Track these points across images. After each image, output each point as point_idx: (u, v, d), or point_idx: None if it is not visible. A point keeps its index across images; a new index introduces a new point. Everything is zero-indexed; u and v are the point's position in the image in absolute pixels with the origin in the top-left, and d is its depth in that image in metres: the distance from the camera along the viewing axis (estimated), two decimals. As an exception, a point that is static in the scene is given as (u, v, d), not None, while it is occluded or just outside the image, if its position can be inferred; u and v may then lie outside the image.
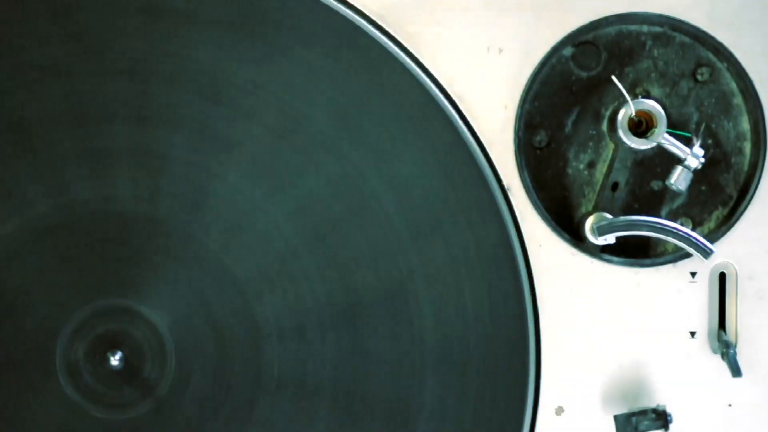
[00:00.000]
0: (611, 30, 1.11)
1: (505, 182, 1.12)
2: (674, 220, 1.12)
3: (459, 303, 1.10)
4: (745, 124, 1.13)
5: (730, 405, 1.13)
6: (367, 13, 1.11)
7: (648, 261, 1.13)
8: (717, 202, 1.14)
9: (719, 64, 1.08)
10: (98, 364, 1.09)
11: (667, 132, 1.08)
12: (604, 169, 1.11)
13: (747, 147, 1.13)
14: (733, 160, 1.13)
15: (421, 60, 1.11)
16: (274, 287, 1.09)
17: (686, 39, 1.08)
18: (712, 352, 1.13)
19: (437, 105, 1.10)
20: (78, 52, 1.08)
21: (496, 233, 1.10)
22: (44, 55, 1.08)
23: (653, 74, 1.10)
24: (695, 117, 1.13)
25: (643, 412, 1.11)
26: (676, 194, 1.13)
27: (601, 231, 1.08)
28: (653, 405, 1.12)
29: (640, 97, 1.09)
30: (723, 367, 1.11)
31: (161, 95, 1.08)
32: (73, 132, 1.08)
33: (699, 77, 1.09)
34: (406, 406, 1.10)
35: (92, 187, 1.09)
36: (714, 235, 1.12)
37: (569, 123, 1.13)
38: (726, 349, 1.11)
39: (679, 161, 1.09)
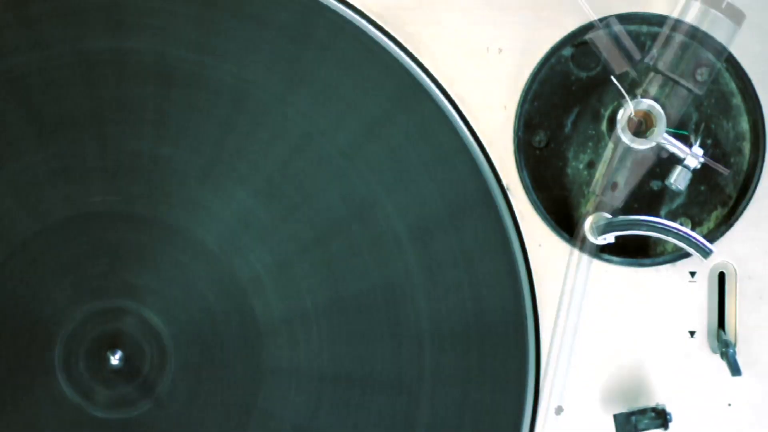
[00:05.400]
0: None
1: (504, 182, 1.12)
2: (673, 220, 1.12)
3: (458, 302, 1.10)
4: (745, 125, 1.13)
5: (729, 404, 1.13)
6: (367, 13, 1.11)
7: (647, 261, 1.13)
8: (716, 202, 1.14)
9: (719, 65, 1.09)
10: (98, 364, 1.09)
11: (667, 132, 1.09)
12: (604, 169, 1.11)
13: (746, 147, 1.14)
14: (732, 160, 1.13)
15: (421, 60, 1.11)
16: (274, 288, 1.09)
17: (686, 39, 1.08)
18: (712, 351, 1.13)
19: (437, 105, 1.10)
20: (74, 55, 1.08)
21: (496, 233, 1.10)
22: (39, 57, 1.08)
23: (652, 74, 1.10)
24: (695, 117, 1.13)
25: (642, 412, 1.12)
26: (675, 194, 1.13)
27: (600, 230, 1.08)
28: (653, 404, 1.12)
29: (639, 97, 1.09)
30: (722, 366, 1.11)
31: (159, 98, 1.08)
32: (72, 133, 1.08)
33: (698, 77, 1.09)
34: (405, 407, 1.10)
35: (92, 188, 1.09)
36: (713, 235, 1.12)
37: (569, 123, 1.13)
38: (725, 348, 1.11)
39: (679, 161, 1.09)
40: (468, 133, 1.11)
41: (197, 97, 1.08)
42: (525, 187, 1.12)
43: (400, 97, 1.09)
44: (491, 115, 1.12)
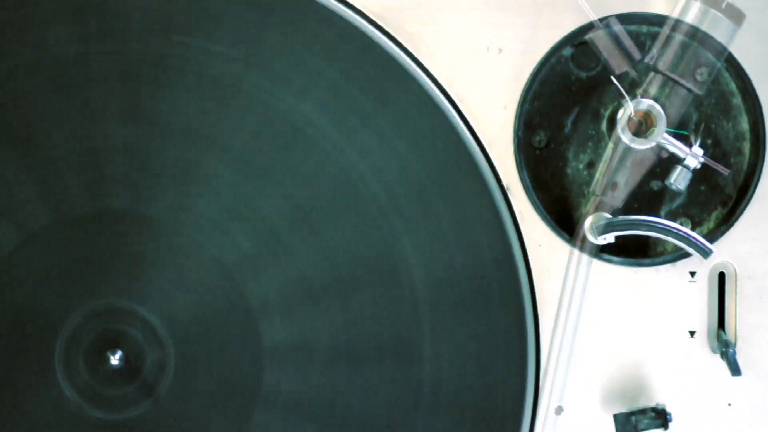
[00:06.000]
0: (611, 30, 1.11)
1: (504, 182, 1.12)
2: (673, 220, 1.12)
3: (458, 303, 1.10)
4: (745, 124, 1.13)
5: (729, 404, 1.13)
6: (367, 14, 1.11)
7: (647, 261, 1.13)
8: (716, 202, 1.14)
9: (719, 65, 1.09)
10: (98, 364, 1.09)
11: (667, 132, 1.09)
12: (604, 169, 1.11)
13: (746, 147, 1.14)
14: (732, 160, 1.13)
15: (420, 60, 1.11)
16: (272, 281, 1.09)
17: (686, 39, 1.08)
18: (712, 351, 1.13)
19: (437, 105, 1.10)
20: (73, 52, 1.08)
21: (496, 233, 1.10)
22: (42, 53, 1.08)
23: (652, 74, 1.10)
24: (695, 117, 1.13)
25: (642, 411, 1.12)
26: (675, 194, 1.13)
27: (600, 230, 1.08)
28: (653, 404, 1.12)
29: (639, 97, 1.09)
30: (722, 366, 1.11)
31: (156, 95, 1.08)
32: (67, 133, 1.08)
33: (698, 77, 1.09)
34: (404, 408, 1.10)
35: (89, 188, 1.09)
36: (713, 235, 1.12)
37: (569, 123, 1.13)
38: (725, 348, 1.11)
39: (679, 161, 1.09)
40: (468, 133, 1.11)
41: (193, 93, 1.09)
42: (525, 187, 1.12)
43: (397, 96, 1.09)
44: (491, 115, 1.12)
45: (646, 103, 1.09)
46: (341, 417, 1.09)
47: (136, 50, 1.08)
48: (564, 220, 1.13)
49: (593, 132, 1.13)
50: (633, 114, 1.09)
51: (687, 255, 1.11)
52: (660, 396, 1.13)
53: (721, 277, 1.13)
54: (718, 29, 1.07)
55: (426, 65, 1.11)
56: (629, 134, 1.09)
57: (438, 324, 1.09)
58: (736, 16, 1.07)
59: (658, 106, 1.08)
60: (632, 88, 1.11)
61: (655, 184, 1.13)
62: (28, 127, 1.08)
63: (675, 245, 1.10)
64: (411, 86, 1.10)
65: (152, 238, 1.09)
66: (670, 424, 1.12)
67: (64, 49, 1.08)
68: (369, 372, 1.09)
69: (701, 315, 1.13)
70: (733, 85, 1.13)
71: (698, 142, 1.09)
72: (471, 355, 1.10)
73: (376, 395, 1.09)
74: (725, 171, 1.10)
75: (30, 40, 1.08)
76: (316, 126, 1.09)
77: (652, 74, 1.09)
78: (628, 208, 1.12)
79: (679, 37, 1.08)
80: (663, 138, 1.08)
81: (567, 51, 1.12)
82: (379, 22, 1.11)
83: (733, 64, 1.11)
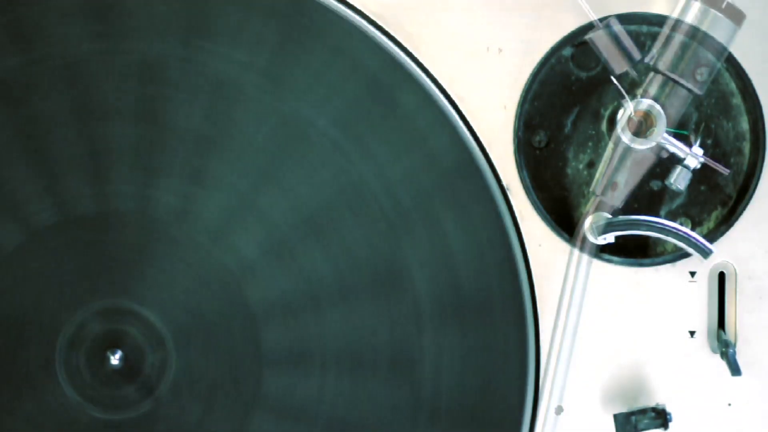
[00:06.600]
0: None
1: (504, 182, 1.12)
2: (673, 220, 1.12)
3: (458, 302, 1.10)
4: (745, 124, 1.13)
5: (729, 404, 1.13)
6: (367, 13, 1.11)
7: (647, 261, 1.13)
8: (716, 202, 1.14)
9: (719, 65, 1.08)
10: (98, 364, 1.09)
11: (667, 132, 1.08)
12: (604, 169, 1.11)
13: (746, 147, 1.14)
14: (732, 160, 1.13)
15: (420, 60, 1.11)
16: (274, 286, 1.09)
17: (686, 39, 1.08)
18: (712, 351, 1.13)
19: (437, 105, 1.10)
20: (83, 51, 1.08)
21: (496, 233, 1.10)
22: (52, 50, 1.08)
23: (652, 74, 1.10)
24: (695, 117, 1.13)
25: (642, 411, 1.12)
26: (675, 194, 1.13)
27: (600, 230, 1.08)
28: (653, 404, 1.12)
29: (639, 97, 1.09)
30: (722, 366, 1.11)
31: (163, 96, 1.08)
32: (66, 132, 1.08)
33: (698, 77, 1.09)
34: (404, 408, 1.10)
35: (89, 188, 1.09)
36: (713, 235, 1.12)
37: (569, 123, 1.13)
38: (725, 348, 1.11)
39: (679, 161, 1.09)
40: (467, 133, 1.11)
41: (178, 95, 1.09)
42: (525, 187, 1.12)
43: (397, 96, 1.09)
44: (491, 115, 1.12)
45: (646, 103, 1.08)
46: (339, 424, 1.09)
47: (144, 51, 1.08)
48: (564, 220, 1.13)
49: (593, 132, 1.13)
50: (633, 114, 1.08)
51: (687, 255, 1.11)
52: (660, 396, 1.13)
53: (721, 277, 1.13)
54: (718, 29, 1.07)
55: (426, 65, 1.11)
56: (629, 134, 1.08)
57: (438, 322, 1.09)
58: (736, 16, 1.07)
59: (658, 106, 1.08)
60: (632, 88, 1.11)
61: (655, 184, 1.13)
62: (33, 125, 1.08)
63: (675, 245, 1.10)
64: (410, 86, 1.09)
65: (154, 239, 1.09)
66: (670, 424, 1.12)
67: (74, 47, 1.08)
68: (368, 378, 1.09)
69: (701, 315, 1.13)
70: (733, 85, 1.13)
71: (698, 142, 1.09)
72: (471, 355, 1.10)
73: (376, 399, 1.09)
74: (725, 171, 1.10)
75: (43, 37, 1.08)
76: (322, 131, 1.09)
77: (652, 74, 1.09)
78: (628, 208, 1.12)
79: (679, 37, 1.08)
80: (663, 138, 1.08)
81: (567, 51, 1.12)
82: (379, 22, 1.11)
83: (733, 64, 1.11)
